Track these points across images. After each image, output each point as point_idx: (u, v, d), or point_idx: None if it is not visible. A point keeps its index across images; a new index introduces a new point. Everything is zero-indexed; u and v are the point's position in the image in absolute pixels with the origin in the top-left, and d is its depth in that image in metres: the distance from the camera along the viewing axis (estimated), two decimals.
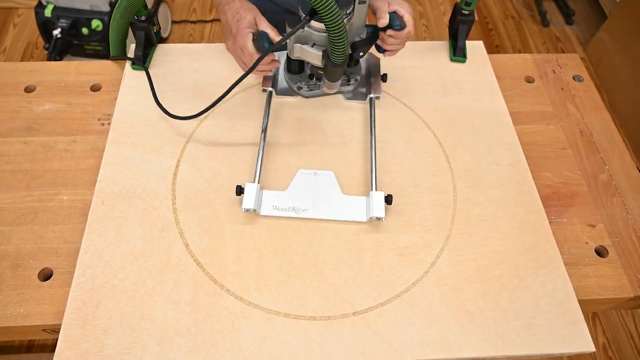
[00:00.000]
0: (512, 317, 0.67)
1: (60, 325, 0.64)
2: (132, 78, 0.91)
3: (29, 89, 0.91)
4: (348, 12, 0.72)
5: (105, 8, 1.68)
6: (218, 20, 2.25)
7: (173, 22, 2.19)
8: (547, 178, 0.85)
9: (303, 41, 0.76)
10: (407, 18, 0.77)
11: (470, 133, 0.87)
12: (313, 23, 0.73)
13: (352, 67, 0.89)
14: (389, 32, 0.77)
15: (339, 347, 0.63)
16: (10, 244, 0.72)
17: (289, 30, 0.73)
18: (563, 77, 1.01)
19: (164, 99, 0.87)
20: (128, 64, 0.93)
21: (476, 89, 0.93)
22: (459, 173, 0.81)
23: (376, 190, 0.75)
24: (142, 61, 0.91)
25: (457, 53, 0.97)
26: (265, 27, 0.75)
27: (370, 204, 0.73)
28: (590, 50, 2.19)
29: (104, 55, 1.76)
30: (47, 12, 1.66)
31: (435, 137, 0.86)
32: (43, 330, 0.69)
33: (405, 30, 0.77)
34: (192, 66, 0.94)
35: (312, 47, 0.76)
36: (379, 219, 0.72)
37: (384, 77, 0.91)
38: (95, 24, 1.68)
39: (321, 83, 0.85)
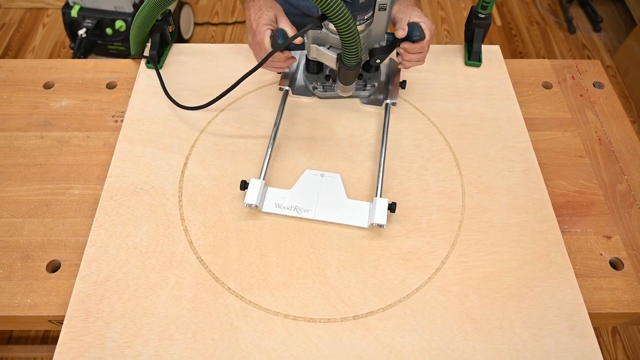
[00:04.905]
0: (519, 328, 0.65)
1: (64, 317, 0.65)
2: (145, 77, 0.92)
3: (47, 85, 0.94)
4: (366, 17, 0.71)
5: (129, 9, 1.72)
6: (240, 22, 2.28)
7: (195, 24, 2.23)
8: (562, 186, 0.82)
9: (320, 42, 0.76)
10: (425, 33, 0.75)
11: (482, 138, 0.85)
12: (330, 25, 0.72)
13: (371, 72, 0.88)
14: (404, 44, 0.76)
15: (337, 350, 0.63)
16: (22, 236, 0.74)
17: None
18: (583, 84, 0.98)
19: (175, 97, 0.88)
20: (143, 62, 0.94)
21: (490, 93, 0.92)
22: (469, 178, 0.80)
23: (381, 196, 0.74)
24: (155, 60, 0.92)
25: (472, 57, 0.95)
26: (285, 25, 0.74)
27: (373, 210, 0.72)
28: (618, 58, 2.13)
29: (126, 55, 1.80)
30: (74, 13, 1.71)
31: (445, 141, 0.84)
32: (49, 321, 0.70)
33: (418, 45, 0.75)
34: (206, 66, 0.95)
35: (328, 49, 0.75)
36: (380, 226, 0.71)
37: (403, 84, 0.89)
38: (119, 24, 1.72)
39: (335, 85, 0.84)
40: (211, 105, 0.79)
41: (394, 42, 0.77)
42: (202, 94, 0.90)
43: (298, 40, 0.73)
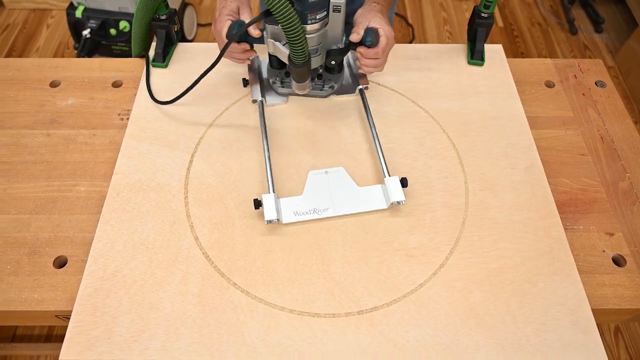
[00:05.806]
0: (522, 323, 0.66)
1: (71, 311, 0.66)
2: (151, 75, 0.93)
3: (54, 84, 0.95)
4: (318, 17, 0.71)
5: (133, 10, 1.73)
6: None
7: (199, 24, 2.24)
8: (565, 184, 0.83)
9: (277, 38, 0.76)
10: (381, 40, 0.75)
11: (485, 136, 0.86)
12: None
13: (333, 74, 0.87)
14: (360, 49, 0.76)
15: (342, 344, 0.63)
16: (29, 232, 0.75)
17: (266, 25, 0.74)
18: (585, 83, 0.98)
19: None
20: None
21: (493, 92, 0.92)
22: (473, 176, 0.80)
23: (389, 175, 0.75)
24: (161, 57, 0.93)
25: (475, 56, 0.96)
26: (246, 17, 0.75)
27: (388, 190, 0.74)
28: (619, 59, 2.13)
29: (129, 55, 1.80)
30: (78, 13, 1.72)
31: (449, 139, 0.85)
32: (55, 316, 0.71)
33: (373, 50, 0.75)
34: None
35: (283, 45, 0.76)
36: (399, 202, 0.73)
37: None
38: (123, 25, 1.73)
39: (291, 82, 0.84)
40: (215, 104, 0.80)
41: (349, 46, 0.77)
42: (205, 92, 0.91)
43: (256, 34, 0.73)
